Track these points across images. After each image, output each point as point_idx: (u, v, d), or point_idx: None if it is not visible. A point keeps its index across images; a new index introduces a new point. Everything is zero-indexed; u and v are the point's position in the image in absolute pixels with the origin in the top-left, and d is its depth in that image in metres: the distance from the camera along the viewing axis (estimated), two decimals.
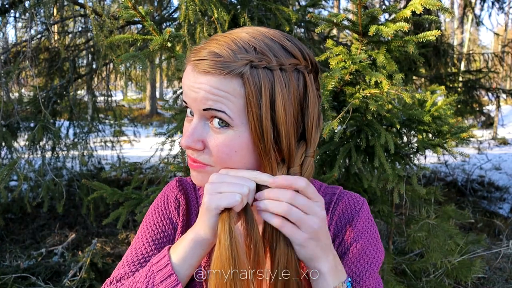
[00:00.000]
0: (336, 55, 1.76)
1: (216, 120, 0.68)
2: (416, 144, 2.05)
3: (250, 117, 0.66)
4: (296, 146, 0.71)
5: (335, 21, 1.64)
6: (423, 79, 5.12)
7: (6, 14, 3.06)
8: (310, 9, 3.18)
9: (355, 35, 1.79)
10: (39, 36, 4.02)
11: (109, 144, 4.95)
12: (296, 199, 0.67)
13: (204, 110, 0.67)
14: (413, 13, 1.57)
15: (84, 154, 4.44)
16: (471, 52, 5.71)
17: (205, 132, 0.69)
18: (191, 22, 2.21)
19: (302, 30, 3.14)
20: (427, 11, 1.62)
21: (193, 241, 0.70)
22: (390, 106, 2.00)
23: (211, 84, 0.65)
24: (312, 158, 0.73)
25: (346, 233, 0.83)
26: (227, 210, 0.67)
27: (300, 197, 0.67)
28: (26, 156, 3.73)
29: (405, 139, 2.20)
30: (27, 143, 3.66)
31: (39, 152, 3.91)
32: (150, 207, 0.90)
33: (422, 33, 1.57)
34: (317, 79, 0.75)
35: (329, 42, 1.80)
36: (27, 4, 3.01)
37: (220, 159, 0.69)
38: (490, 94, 5.31)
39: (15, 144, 3.66)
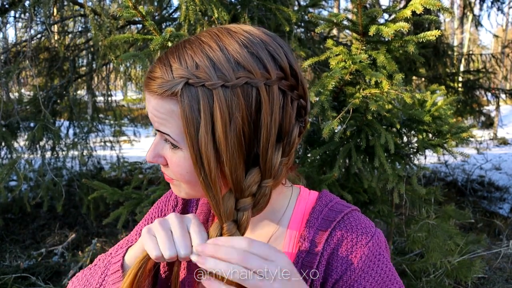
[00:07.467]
0: (336, 55, 1.76)
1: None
2: (416, 144, 2.05)
3: (186, 141, 0.60)
4: (243, 174, 0.62)
5: (335, 21, 1.65)
6: (422, 79, 5.13)
7: (6, 14, 3.06)
8: (310, 9, 3.18)
9: (355, 35, 1.79)
10: (39, 36, 4.03)
11: (109, 144, 4.96)
12: (249, 260, 0.56)
13: (157, 130, 0.65)
14: (413, 13, 1.57)
15: (84, 154, 4.44)
16: (470, 52, 5.72)
17: (165, 149, 0.66)
18: (191, 22, 2.21)
19: (302, 30, 3.14)
20: (427, 11, 1.62)
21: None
22: (390, 106, 2.00)
23: (153, 105, 0.62)
24: (269, 187, 0.64)
25: (346, 272, 0.68)
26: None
27: (253, 258, 0.56)
28: (26, 156, 3.73)
29: (405, 139, 2.20)
30: (27, 143, 3.66)
31: (39, 152, 3.91)
32: (154, 203, 0.92)
33: (422, 33, 1.58)
34: (294, 89, 0.63)
35: (329, 42, 1.80)
36: (26, 4, 3.01)
37: (178, 177, 0.66)
38: (489, 94, 5.31)
39: (15, 144, 3.66)
